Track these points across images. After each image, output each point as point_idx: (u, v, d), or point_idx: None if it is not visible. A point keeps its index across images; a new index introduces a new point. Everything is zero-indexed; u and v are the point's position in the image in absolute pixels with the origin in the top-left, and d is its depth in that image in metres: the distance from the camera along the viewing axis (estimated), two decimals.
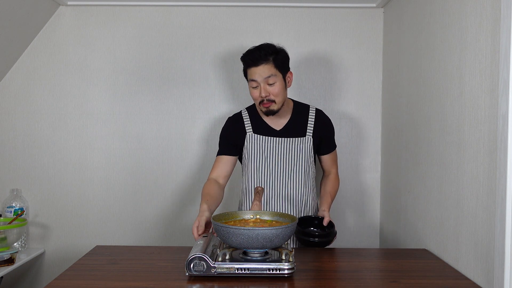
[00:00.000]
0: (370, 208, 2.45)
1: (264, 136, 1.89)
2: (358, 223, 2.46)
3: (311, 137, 1.90)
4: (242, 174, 1.96)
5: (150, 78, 2.42)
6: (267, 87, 1.77)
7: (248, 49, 1.82)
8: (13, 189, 2.37)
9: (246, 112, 1.96)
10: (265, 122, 1.91)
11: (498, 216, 1.22)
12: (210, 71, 2.43)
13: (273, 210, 1.86)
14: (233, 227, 1.35)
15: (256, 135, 1.89)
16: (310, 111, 1.95)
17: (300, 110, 1.94)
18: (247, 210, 1.81)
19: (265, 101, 1.79)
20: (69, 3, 2.37)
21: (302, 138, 1.90)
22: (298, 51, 2.41)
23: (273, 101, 1.79)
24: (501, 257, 1.21)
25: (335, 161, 2.04)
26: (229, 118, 1.99)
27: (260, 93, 1.78)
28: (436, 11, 1.71)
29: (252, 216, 1.57)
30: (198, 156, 2.44)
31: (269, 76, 1.76)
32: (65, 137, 2.42)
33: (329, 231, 1.76)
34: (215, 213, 1.74)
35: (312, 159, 1.93)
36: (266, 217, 1.57)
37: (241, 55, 1.84)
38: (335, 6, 2.39)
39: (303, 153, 1.89)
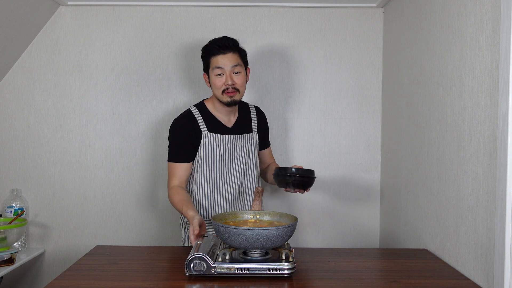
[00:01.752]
0: (370, 208, 2.45)
1: (219, 135, 1.87)
2: (358, 223, 2.46)
3: (256, 132, 1.97)
4: (195, 177, 1.90)
5: (150, 78, 2.42)
6: (233, 76, 1.80)
7: (213, 39, 1.86)
8: (13, 189, 2.37)
9: (197, 110, 1.89)
10: (217, 119, 1.89)
11: (498, 216, 1.22)
12: None
13: (231, 207, 1.89)
14: (233, 227, 1.35)
15: (211, 133, 1.86)
16: (250, 108, 2.00)
17: (243, 107, 1.98)
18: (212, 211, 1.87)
19: (230, 89, 1.79)
20: (69, 3, 2.37)
21: (250, 134, 1.95)
22: (298, 51, 2.41)
23: (238, 91, 1.81)
24: (501, 257, 1.21)
25: (272, 154, 2.16)
26: (179, 119, 1.89)
27: (226, 80, 1.79)
28: (436, 11, 1.71)
29: (252, 216, 1.58)
30: None
31: (236, 65, 1.80)
32: (65, 137, 2.42)
33: (310, 170, 1.79)
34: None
35: (257, 154, 1.99)
36: (266, 217, 1.57)
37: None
38: (335, 6, 2.39)
39: (253, 149, 1.94)
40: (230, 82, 1.79)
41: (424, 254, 1.69)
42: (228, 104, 1.83)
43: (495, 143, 1.27)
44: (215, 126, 1.88)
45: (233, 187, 1.89)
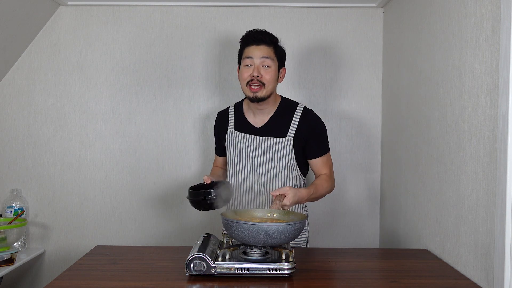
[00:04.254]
0: (370, 208, 2.45)
1: (242, 134, 1.82)
2: (358, 223, 2.46)
3: (292, 138, 1.77)
4: (227, 170, 1.92)
5: (150, 78, 2.42)
6: (261, 69, 1.73)
7: (250, 30, 1.79)
8: (13, 189, 2.37)
9: (233, 108, 1.91)
10: (245, 118, 1.84)
11: (498, 216, 1.22)
12: (210, 71, 2.43)
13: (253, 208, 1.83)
14: (235, 221, 1.35)
15: (235, 132, 1.84)
16: (297, 109, 1.82)
17: (286, 108, 1.82)
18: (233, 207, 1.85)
19: (254, 81, 1.72)
20: (69, 3, 2.37)
21: (281, 138, 1.78)
22: (298, 51, 2.41)
23: (263, 85, 1.72)
24: (501, 257, 1.21)
25: (326, 164, 1.84)
26: (218, 113, 1.97)
27: (252, 72, 1.72)
28: (436, 11, 1.71)
29: (269, 215, 1.56)
30: (198, 156, 2.44)
31: (266, 57, 1.73)
32: (65, 137, 2.42)
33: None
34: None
35: (293, 161, 1.79)
36: (277, 216, 1.55)
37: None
38: (335, 6, 2.39)
39: (281, 154, 1.78)
40: (255, 74, 1.71)
41: (424, 254, 1.69)
42: (251, 100, 1.75)
43: (495, 143, 1.27)
44: (242, 125, 1.84)
45: (255, 188, 1.82)
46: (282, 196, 1.59)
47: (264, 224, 1.33)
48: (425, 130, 1.80)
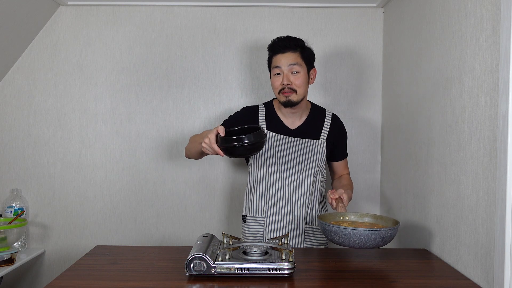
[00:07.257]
0: (370, 208, 2.45)
1: (277, 134, 1.86)
2: None
3: (324, 140, 1.89)
4: (249, 173, 1.92)
5: (150, 78, 2.42)
6: (290, 75, 1.77)
7: (275, 38, 1.84)
8: (13, 189, 2.37)
9: (264, 107, 1.92)
10: (281, 120, 1.89)
11: (498, 216, 1.22)
12: (210, 71, 2.43)
13: (280, 208, 1.87)
14: (354, 228, 1.41)
15: (269, 132, 1.87)
16: (326, 115, 1.94)
17: (316, 112, 1.93)
18: (259, 209, 1.87)
19: (286, 89, 1.77)
20: (69, 3, 2.37)
21: (315, 140, 1.88)
22: None
23: (294, 91, 1.77)
24: (501, 257, 1.21)
25: (347, 165, 2.07)
26: (246, 107, 1.95)
27: (282, 80, 1.77)
28: (436, 11, 1.71)
29: (347, 218, 1.65)
30: None
31: (294, 64, 1.77)
32: (65, 137, 2.42)
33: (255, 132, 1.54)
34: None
35: (324, 163, 1.91)
36: (354, 218, 1.66)
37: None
38: (335, 6, 2.39)
39: (315, 156, 1.87)
40: (286, 82, 1.76)
41: (424, 254, 1.69)
42: (285, 105, 1.80)
43: (495, 143, 1.27)
44: (276, 126, 1.87)
45: (283, 188, 1.85)
46: (339, 198, 1.68)
47: (382, 229, 1.41)
48: (425, 130, 1.80)
